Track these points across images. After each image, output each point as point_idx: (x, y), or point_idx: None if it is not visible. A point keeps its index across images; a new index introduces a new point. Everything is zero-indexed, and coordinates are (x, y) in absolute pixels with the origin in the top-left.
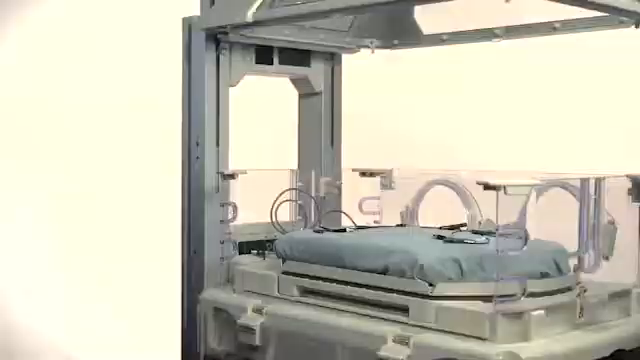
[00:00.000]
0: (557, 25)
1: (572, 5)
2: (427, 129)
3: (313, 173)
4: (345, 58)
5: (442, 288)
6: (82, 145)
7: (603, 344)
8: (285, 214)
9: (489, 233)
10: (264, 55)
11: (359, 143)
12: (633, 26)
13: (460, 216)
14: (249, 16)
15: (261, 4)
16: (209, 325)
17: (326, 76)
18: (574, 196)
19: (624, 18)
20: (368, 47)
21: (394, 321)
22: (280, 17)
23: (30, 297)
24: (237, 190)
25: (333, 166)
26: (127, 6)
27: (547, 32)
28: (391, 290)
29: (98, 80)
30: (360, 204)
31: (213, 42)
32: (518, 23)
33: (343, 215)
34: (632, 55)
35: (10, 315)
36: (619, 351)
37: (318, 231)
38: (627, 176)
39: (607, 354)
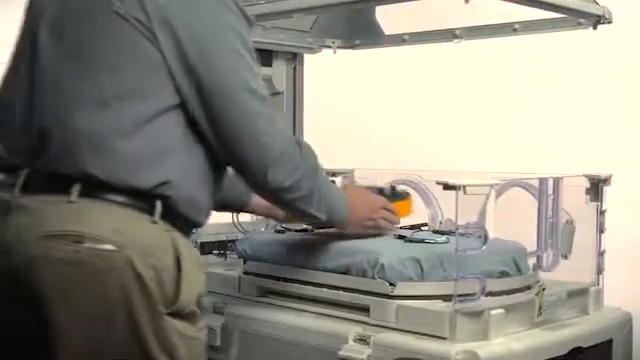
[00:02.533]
0: (517, 26)
1: (528, 6)
2: (389, 129)
3: None
4: (308, 58)
5: (403, 288)
6: None
7: (561, 342)
8: (247, 214)
9: (449, 233)
10: None
11: (321, 143)
12: (591, 27)
13: (422, 216)
14: None
15: None
16: None
17: (288, 76)
18: (533, 196)
19: (582, 20)
20: (330, 47)
21: (355, 321)
22: None
23: None
24: None
25: None
26: None
27: (507, 33)
28: (352, 290)
29: None
30: None
31: None
32: (479, 24)
33: None
34: (595, 56)
35: None
36: (577, 349)
37: (279, 231)
38: (585, 176)
39: (565, 352)
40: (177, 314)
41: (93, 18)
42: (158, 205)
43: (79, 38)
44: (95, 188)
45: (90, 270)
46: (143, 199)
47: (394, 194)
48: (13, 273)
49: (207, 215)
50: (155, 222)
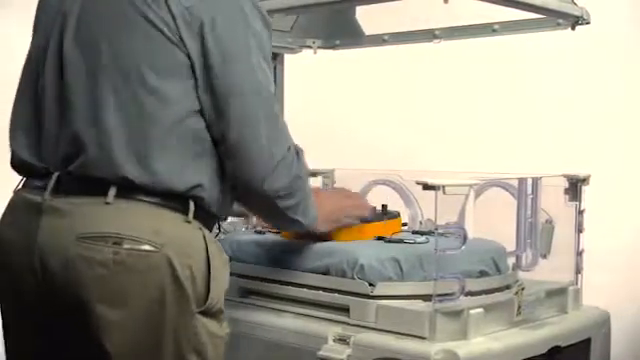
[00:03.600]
0: (496, 27)
1: (507, 7)
2: (370, 129)
3: None
4: (288, 58)
5: (382, 288)
6: None
7: (540, 341)
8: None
9: (429, 233)
10: None
11: (301, 143)
12: (570, 28)
13: (402, 216)
14: None
15: None
16: None
17: None
18: (513, 196)
19: (561, 20)
20: (310, 47)
21: (335, 321)
22: None
23: None
24: None
25: None
26: None
27: (487, 33)
28: (332, 290)
29: None
30: None
31: None
32: (458, 24)
33: None
34: (572, 56)
35: None
36: (555, 348)
37: (260, 232)
38: (564, 176)
39: (544, 351)
40: (207, 312)
41: (120, 22)
42: (191, 205)
43: (107, 44)
44: (130, 190)
45: (129, 271)
46: (177, 200)
47: (385, 213)
48: (48, 274)
49: (230, 211)
50: (189, 221)
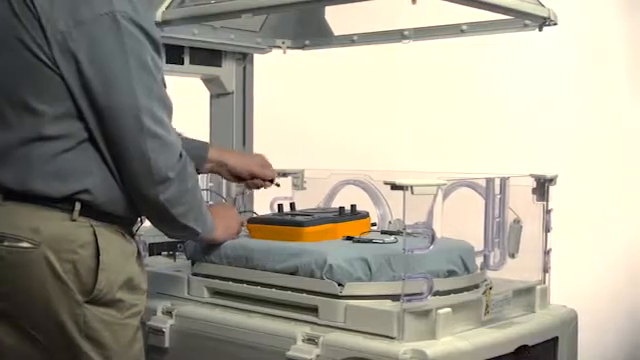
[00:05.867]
0: (465, 27)
1: (475, 7)
2: (340, 129)
3: None
4: (258, 57)
5: (351, 288)
6: None
7: (508, 340)
8: None
9: (398, 233)
10: (174, 55)
11: (271, 143)
12: (537, 29)
13: (371, 216)
14: (158, 15)
15: (170, 3)
16: None
17: (238, 76)
18: (481, 195)
19: (528, 21)
20: (280, 47)
21: (304, 321)
22: (190, 17)
23: None
24: None
25: None
26: None
27: (455, 34)
28: (301, 290)
29: None
30: (271, 204)
31: None
32: (427, 24)
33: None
34: (539, 58)
35: None
36: (523, 347)
37: None
38: (531, 176)
39: (512, 350)
40: (96, 302)
41: None
42: (77, 205)
43: None
44: (16, 194)
45: (10, 266)
46: (63, 201)
47: (354, 213)
48: None
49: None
50: (74, 220)
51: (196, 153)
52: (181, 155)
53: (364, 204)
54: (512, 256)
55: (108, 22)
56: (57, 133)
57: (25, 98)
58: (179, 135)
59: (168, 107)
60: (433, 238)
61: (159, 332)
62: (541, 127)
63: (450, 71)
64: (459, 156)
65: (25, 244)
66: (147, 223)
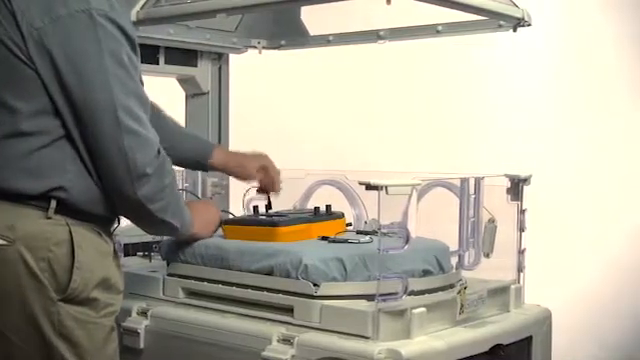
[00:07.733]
0: (440, 28)
1: (449, 8)
2: (316, 129)
3: (200, 173)
4: (234, 57)
5: (326, 288)
6: None
7: (482, 339)
8: None
9: (373, 233)
10: (149, 54)
11: (248, 143)
12: (511, 30)
13: (347, 216)
14: (133, 15)
15: (145, 3)
16: None
17: (213, 76)
18: (456, 195)
19: (502, 22)
20: (255, 47)
21: (279, 321)
22: (166, 16)
23: None
24: None
25: None
26: None
27: (431, 34)
28: (276, 291)
29: None
30: (247, 204)
31: None
32: (402, 25)
33: (230, 216)
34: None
35: None
36: (497, 346)
37: None
38: (505, 176)
39: (486, 349)
40: (71, 300)
41: None
42: (53, 203)
43: None
44: None
45: None
46: (37, 199)
47: (329, 214)
48: None
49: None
50: (49, 217)
51: (201, 153)
52: (159, 151)
53: (340, 204)
54: (487, 256)
55: (84, 19)
56: (33, 129)
57: (1, 95)
58: (187, 133)
59: (145, 104)
60: (408, 238)
61: (134, 333)
62: (518, 127)
63: (426, 71)
64: (435, 156)
65: (0, 241)
66: (123, 223)
